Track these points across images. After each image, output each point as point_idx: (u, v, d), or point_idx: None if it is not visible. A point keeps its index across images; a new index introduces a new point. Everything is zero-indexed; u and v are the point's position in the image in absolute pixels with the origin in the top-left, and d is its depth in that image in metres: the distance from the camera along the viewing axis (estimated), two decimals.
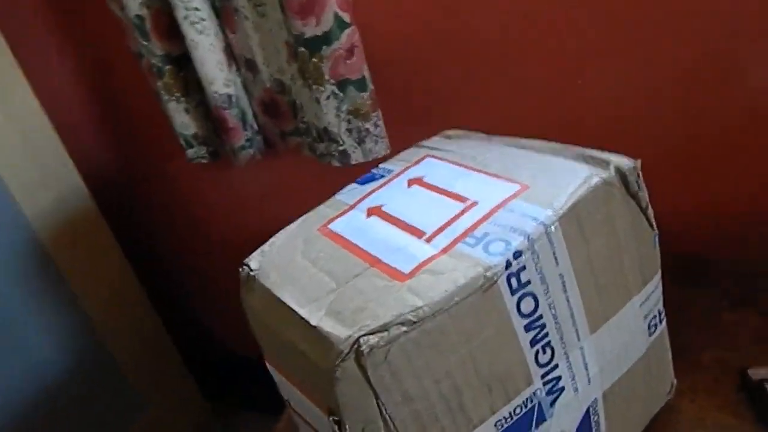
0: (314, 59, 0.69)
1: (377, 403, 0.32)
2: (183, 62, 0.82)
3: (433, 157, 0.46)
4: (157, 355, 1.19)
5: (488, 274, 0.33)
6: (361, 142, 0.74)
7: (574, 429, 0.40)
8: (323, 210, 0.45)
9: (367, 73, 0.71)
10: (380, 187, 0.45)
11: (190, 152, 0.88)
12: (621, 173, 0.38)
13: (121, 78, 0.97)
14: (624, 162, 0.38)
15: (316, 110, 0.73)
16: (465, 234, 0.36)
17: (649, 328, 0.43)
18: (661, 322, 0.45)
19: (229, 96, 0.79)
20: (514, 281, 0.34)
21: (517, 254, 0.34)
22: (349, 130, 0.74)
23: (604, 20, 0.62)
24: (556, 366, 0.37)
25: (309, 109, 0.75)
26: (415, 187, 0.43)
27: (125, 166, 1.10)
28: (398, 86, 0.74)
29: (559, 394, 0.38)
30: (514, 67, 0.68)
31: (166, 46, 0.80)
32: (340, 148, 0.74)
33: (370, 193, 0.44)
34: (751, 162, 0.64)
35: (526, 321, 0.35)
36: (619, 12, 0.61)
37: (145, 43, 0.80)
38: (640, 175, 0.39)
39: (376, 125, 0.74)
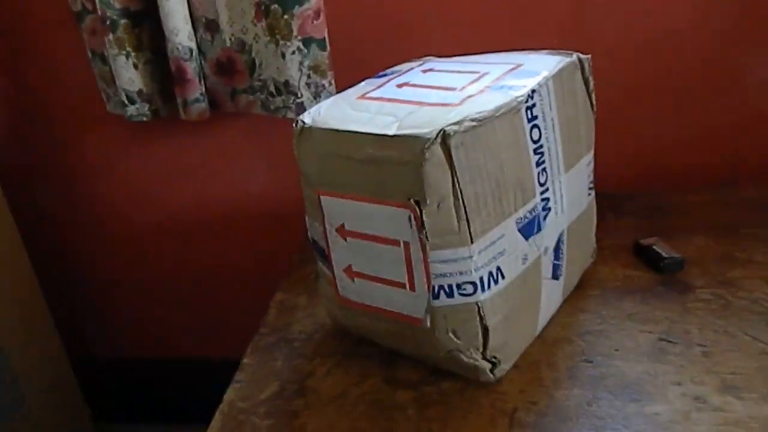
0: (285, 16, 0.80)
1: (453, 181, 0.43)
2: (138, 19, 0.87)
3: (432, 60, 0.60)
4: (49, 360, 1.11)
5: (518, 98, 0.47)
6: (317, 96, 0.85)
7: (552, 248, 0.54)
8: (352, 91, 0.56)
9: (327, 36, 0.83)
10: (397, 76, 0.57)
11: (130, 109, 0.91)
12: (580, 60, 0.55)
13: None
14: (581, 54, 0.55)
15: (279, 65, 0.83)
16: (490, 84, 0.50)
17: (588, 188, 0.60)
18: (592, 189, 0.62)
19: (190, 49, 0.85)
20: (529, 113, 0.48)
21: (533, 92, 0.48)
22: (308, 85, 0.84)
23: None
24: (548, 189, 0.52)
25: (270, 65, 0.84)
26: (430, 72, 0.56)
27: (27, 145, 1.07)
28: (348, 51, 0.87)
29: (548, 213, 0.52)
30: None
31: (125, 1, 0.85)
32: (299, 100, 0.84)
33: (391, 79, 0.56)
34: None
35: (534, 146, 0.49)
36: None
37: None
38: (591, 66, 0.56)
39: (330, 83, 0.85)
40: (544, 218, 0.52)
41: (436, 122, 0.44)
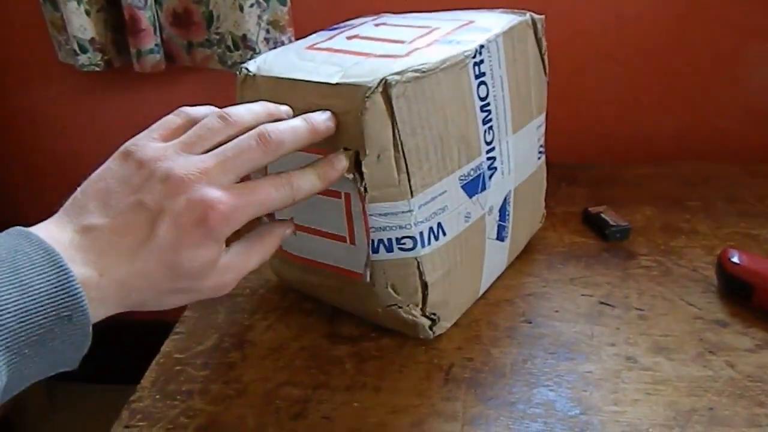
0: None
1: (393, 132, 0.43)
2: None
3: (387, 15, 0.59)
4: None
5: (465, 52, 0.46)
6: None
7: (498, 208, 0.54)
8: (302, 42, 0.54)
9: None
10: (349, 29, 0.55)
11: (82, 58, 0.88)
12: (533, 20, 0.54)
13: None
14: (534, 14, 0.55)
15: (237, 18, 0.81)
16: (439, 39, 0.49)
17: (538, 151, 0.60)
18: (542, 152, 0.62)
19: None
20: (476, 69, 0.48)
21: (481, 47, 0.48)
22: (266, 40, 0.82)
23: None
24: (494, 148, 0.51)
25: (228, 18, 0.82)
26: (382, 26, 0.55)
27: None
28: (309, 7, 0.85)
29: (494, 172, 0.52)
30: None
31: None
32: (256, 56, 0.82)
33: (342, 31, 0.55)
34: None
35: (481, 103, 0.49)
36: None
37: None
38: (544, 27, 0.56)
39: (290, 39, 0.84)
40: (490, 177, 0.52)
41: (379, 72, 0.43)
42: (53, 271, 0.30)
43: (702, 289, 0.57)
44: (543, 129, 0.60)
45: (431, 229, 0.47)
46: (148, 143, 0.38)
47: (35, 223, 0.34)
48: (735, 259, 0.56)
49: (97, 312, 0.33)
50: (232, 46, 0.84)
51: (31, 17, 0.93)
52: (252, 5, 0.79)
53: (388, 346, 0.52)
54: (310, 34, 0.57)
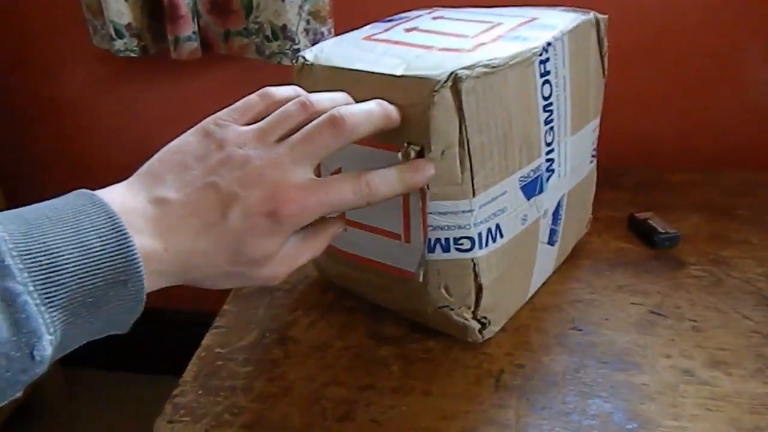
0: None
1: (461, 129, 0.41)
2: None
3: (442, 9, 0.57)
4: None
5: (533, 50, 0.45)
6: (315, 44, 0.82)
7: (552, 211, 0.53)
8: (357, 33, 0.53)
9: None
10: (406, 21, 0.54)
11: (118, 44, 0.87)
12: (597, 20, 0.53)
13: None
14: (598, 14, 0.53)
15: (278, 7, 0.79)
16: (503, 35, 0.47)
17: (591, 155, 0.58)
18: (595, 157, 0.60)
19: None
20: (542, 67, 0.46)
21: (548, 44, 0.46)
22: (306, 31, 0.81)
23: None
24: (553, 150, 0.50)
25: (268, 7, 0.81)
26: (440, 20, 0.53)
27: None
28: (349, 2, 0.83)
29: (551, 175, 0.51)
30: None
31: None
32: (295, 46, 0.81)
33: (399, 23, 0.53)
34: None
35: (544, 102, 0.47)
36: None
37: None
38: (607, 27, 0.54)
39: (330, 31, 0.82)
40: (547, 180, 0.50)
41: (447, 65, 0.41)
42: (114, 236, 0.30)
43: (755, 301, 0.56)
44: (597, 132, 0.59)
45: (489, 230, 0.46)
46: (230, 125, 0.37)
47: None
48: None
49: (155, 283, 0.33)
50: (270, 36, 0.82)
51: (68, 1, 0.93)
52: None
53: (435, 349, 0.51)
54: (352, 28, 0.55)
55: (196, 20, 0.85)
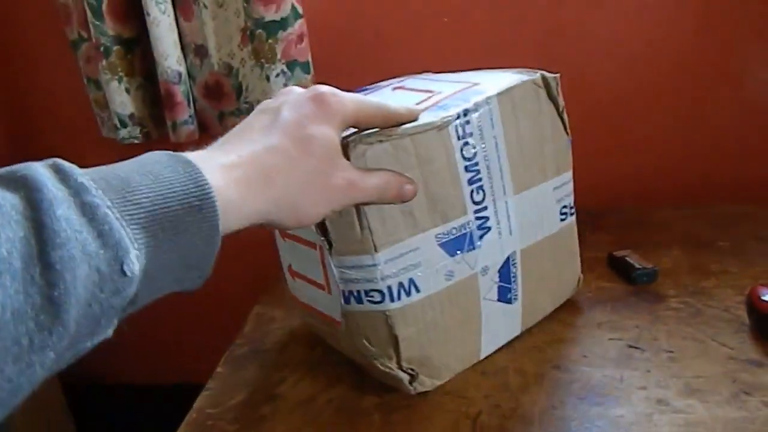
0: (270, 41, 0.83)
1: None
2: (130, 45, 0.90)
3: (411, 78, 0.61)
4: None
5: (443, 119, 0.48)
6: None
7: (497, 269, 0.54)
8: None
9: (310, 59, 0.86)
10: (370, 91, 0.58)
11: (122, 132, 0.94)
12: (545, 79, 0.54)
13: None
14: (547, 73, 0.56)
15: (264, 87, 0.86)
16: (434, 104, 0.50)
17: (561, 213, 0.58)
18: (571, 214, 0.60)
19: (179, 73, 0.88)
20: (460, 129, 0.49)
21: (465, 111, 0.49)
22: None
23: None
24: (486, 207, 0.51)
25: (256, 87, 0.87)
26: (399, 90, 0.57)
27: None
28: (333, 75, 0.90)
29: (487, 232, 0.52)
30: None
31: (118, 28, 0.88)
32: None
33: (367, 92, 0.58)
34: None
35: (466, 163, 0.49)
36: None
37: (97, 23, 0.87)
38: (559, 86, 0.55)
39: None
40: (480, 237, 0.52)
41: (351, 132, 0.44)
42: (180, 166, 0.32)
43: (734, 329, 0.56)
44: (568, 189, 0.59)
45: (401, 284, 0.48)
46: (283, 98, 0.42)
47: None
48: (766, 298, 0.55)
49: (235, 210, 0.34)
50: None
51: (76, 96, 1.00)
52: (278, 75, 0.84)
53: (415, 397, 0.52)
54: None
55: (192, 105, 0.91)
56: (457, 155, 0.49)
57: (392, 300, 0.48)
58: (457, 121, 0.48)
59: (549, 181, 0.56)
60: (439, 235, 0.49)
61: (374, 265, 0.47)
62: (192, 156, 0.34)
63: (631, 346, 0.55)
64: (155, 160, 0.32)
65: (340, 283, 0.48)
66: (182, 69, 0.88)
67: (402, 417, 0.50)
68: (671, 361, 0.53)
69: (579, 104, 0.89)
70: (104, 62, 0.89)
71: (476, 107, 0.49)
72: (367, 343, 0.50)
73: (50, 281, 0.26)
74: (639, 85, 0.87)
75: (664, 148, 0.90)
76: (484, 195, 0.51)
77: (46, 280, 0.25)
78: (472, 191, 0.50)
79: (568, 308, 0.62)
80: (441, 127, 0.48)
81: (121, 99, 0.92)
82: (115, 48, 0.89)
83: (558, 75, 0.56)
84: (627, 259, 0.67)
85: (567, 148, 0.58)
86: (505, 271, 0.54)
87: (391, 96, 0.56)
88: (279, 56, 0.83)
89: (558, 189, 0.58)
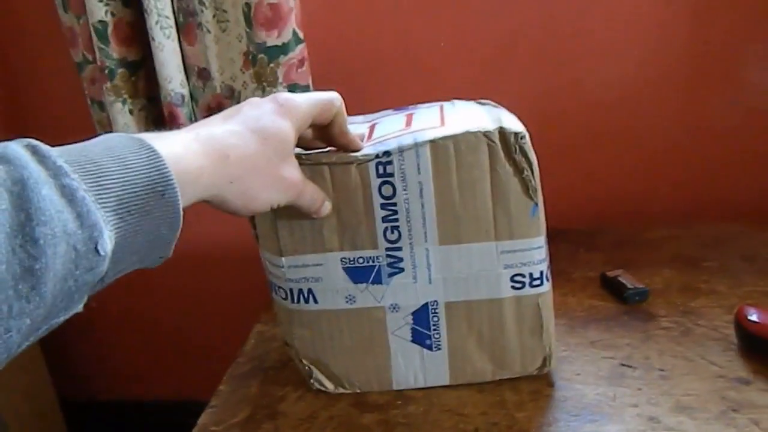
0: (272, 65, 0.85)
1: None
2: (134, 67, 0.92)
3: (389, 114, 0.60)
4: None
5: (361, 156, 0.49)
6: None
7: (410, 312, 0.54)
8: None
9: (311, 82, 0.88)
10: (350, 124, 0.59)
11: None
12: (503, 135, 0.48)
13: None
14: (512, 127, 0.48)
15: None
16: (376, 139, 0.52)
17: (512, 280, 0.52)
18: (532, 285, 0.52)
19: (182, 95, 0.90)
20: (380, 168, 0.49)
21: (386, 153, 0.49)
22: None
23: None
24: (400, 248, 0.52)
25: None
26: (375, 125, 0.56)
27: None
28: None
29: (398, 272, 0.53)
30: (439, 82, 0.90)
31: (123, 51, 0.90)
32: None
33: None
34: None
35: (383, 201, 0.50)
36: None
37: (102, 47, 0.89)
38: (525, 145, 0.48)
39: None
40: (390, 275, 0.53)
41: None
42: (144, 152, 0.34)
43: (722, 347, 0.58)
44: (527, 257, 0.52)
45: (301, 291, 0.54)
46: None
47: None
48: (753, 317, 0.57)
49: (193, 190, 0.37)
50: None
51: (80, 118, 1.02)
52: None
53: (415, 413, 0.54)
54: None
55: None
56: (375, 192, 0.50)
57: (292, 302, 0.55)
58: (377, 160, 0.49)
59: (493, 242, 0.51)
60: (344, 260, 0.53)
61: (281, 266, 0.54)
62: (153, 136, 0.36)
63: (623, 365, 0.57)
64: (121, 144, 0.34)
65: (267, 274, 0.56)
66: (185, 91, 0.90)
67: None
68: (662, 379, 0.55)
69: (575, 127, 0.92)
70: (108, 84, 0.91)
71: (400, 150, 0.49)
72: (282, 331, 0.58)
73: (32, 254, 0.28)
74: (633, 109, 0.89)
75: (655, 170, 0.92)
76: (400, 235, 0.51)
77: (27, 252, 0.28)
78: (386, 229, 0.51)
79: (562, 327, 0.64)
80: (360, 163, 0.50)
81: (125, 120, 0.93)
82: (120, 70, 0.91)
83: (524, 132, 0.48)
84: (619, 278, 0.69)
85: (530, 213, 0.50)
86: (423, 317, 0.54)
87: (371, 127, 0.56)
88: (280, 80, 0.86)
89: (507, 254, 0.52)
